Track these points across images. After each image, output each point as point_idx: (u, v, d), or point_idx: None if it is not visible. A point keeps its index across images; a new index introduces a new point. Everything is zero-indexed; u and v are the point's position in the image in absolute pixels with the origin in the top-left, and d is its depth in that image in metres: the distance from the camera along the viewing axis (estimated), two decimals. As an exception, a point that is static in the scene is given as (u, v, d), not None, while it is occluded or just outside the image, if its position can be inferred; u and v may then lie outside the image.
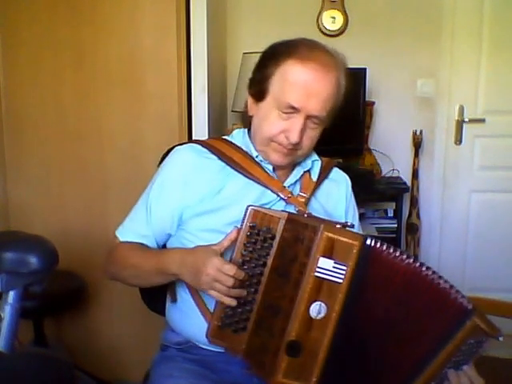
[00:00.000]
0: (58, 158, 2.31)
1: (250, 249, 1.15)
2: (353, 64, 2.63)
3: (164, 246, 1.38)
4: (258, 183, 1.30)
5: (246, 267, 1.14)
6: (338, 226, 1.13)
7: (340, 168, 1.50)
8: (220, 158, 1.32)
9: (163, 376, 1.29)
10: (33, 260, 1.21)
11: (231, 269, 1.10)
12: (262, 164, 1.33)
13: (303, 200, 1.32)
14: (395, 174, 2.93)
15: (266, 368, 1.13)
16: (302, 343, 1.10)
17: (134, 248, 1.33)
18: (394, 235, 2.73)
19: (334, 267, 1.08)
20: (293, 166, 1.36)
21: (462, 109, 2.93)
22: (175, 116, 2.25)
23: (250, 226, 1.14)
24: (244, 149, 1.35)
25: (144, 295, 1.53)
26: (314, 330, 1.10)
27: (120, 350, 2.41)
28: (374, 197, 2.77)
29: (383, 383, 1.15)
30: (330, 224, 1.13)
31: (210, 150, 1.33)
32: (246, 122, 1.37)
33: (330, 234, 1.07)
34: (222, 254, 1.15)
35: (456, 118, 2.94)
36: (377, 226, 2.74)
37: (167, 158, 1.37)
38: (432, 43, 2.87)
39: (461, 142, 2.97)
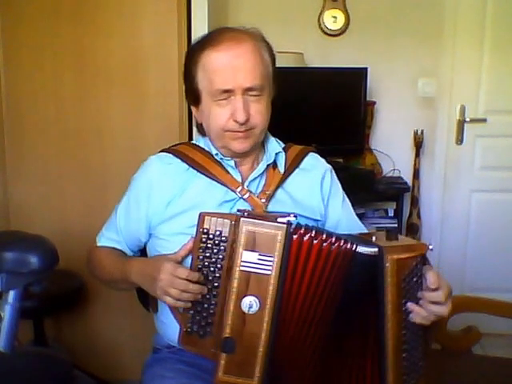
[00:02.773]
0: (58, 158, 2.31)
1: (207, 254, 1.15)
2: (354, 63, 2.70)
3: (142, 251, 1.43)
4: (219, 183, 1.32)
5: (205, 272, 1.15)
6: (281, 218, 1.12)
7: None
8: (183, 160, 1.35)
9: (156, 377, 1.30)
10: (33, 260, 1.21)
11: (184, 271, 1.12)
12: (224, 162, 1.34)
13: (265, 196, 1.31)
14: (396, 174, 2.93)
15: (215, 368, 1.14)
16: (236, 339, 1.10)
17: (107, 253, 1.39)
18: (394, 235, 2.73)
19: (259, 259, 1.09)
20: (256, 161, 1.37)
21: (463, 108, 2.92)
22: (176, 115, 2.26)
23: (203, 232, 1.15)
24: (207, 149, 1.37)
25: (140, 296, 1.54)
26: (248, 325, 1.10)
27: (119, 350, 2.41)
28: (374, 196, 2.77)
29: (340, 365, 1.14)
30: (255, 217, 1.12)
31: (173, 155, 1.36)
32: (200, 132, 1.41)
33: (250, 227, 1.09)
34: (180, 263, 1.18)
35: (457, 118, 2.94)
36: (377, 225, 2.74)
37: (137, 170, 1.41)
38: (433, 43, 2.87)
39: (462, 141, 2.97)
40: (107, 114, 2.27)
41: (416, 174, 2.92)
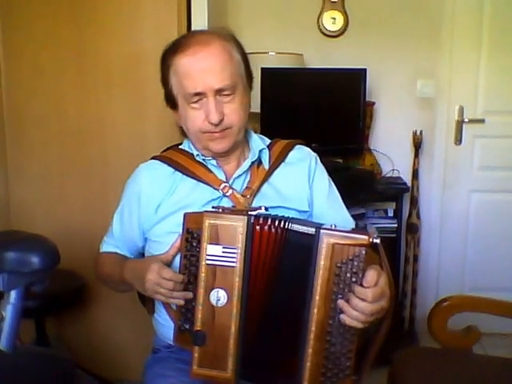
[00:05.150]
0: (59, 158, 2.31)
1: (193, 252, 1.17)
2: (353, 64, 2.71)
3: (143, 254, 1.45)
4: (203, 182, 1.34)
5: (192, 269, 1.16)
6: (253, 212, 1.14)
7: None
8: (168, 165, 1.37)
9: (156, 376, 1.32)
10: (34, 259, 1.21)
11: (168, 272, 1.15)
12: (206, 162, 1.36)
13: (249, 192, 1.33)
14: (395, 174, 2.93)
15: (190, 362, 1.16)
16: (206, 332, 1.12)
17: (108, 257, 1.44)
18: (394, 235, 2.74)
19: (223, 252, 1.11)
20: (241, 159, 1.38)
21: (461, 109, 2.93)
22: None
23: (187, 231, 1.17)
24: (190, 152, 1.39)
25: (141, 296, 1.54)
26: (218, 318, 1.13)
27: (121, 349, 2.42)
28: (374, 197, 2.77)
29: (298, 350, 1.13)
30: (216, 211, 1.15)
31: (160, 161, 1.39)
32: (182, 134, 1.42)
33: (212, 221, 1.11)
34: (171, 261, 1.22)
35: (456, 119, 2.95)
36: (377, 225, 2.75)
37: (129, 177, 1.45)
38: (432, 44, 2.88)
39: (461, 142, 2.98)
40: (108, 114, 2.27)
41: (415, 175, 2.92)
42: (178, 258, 1.23)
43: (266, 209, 1.22)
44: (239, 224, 1.10)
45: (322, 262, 1.07)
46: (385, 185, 2.81)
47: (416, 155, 2.92)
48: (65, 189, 2.34)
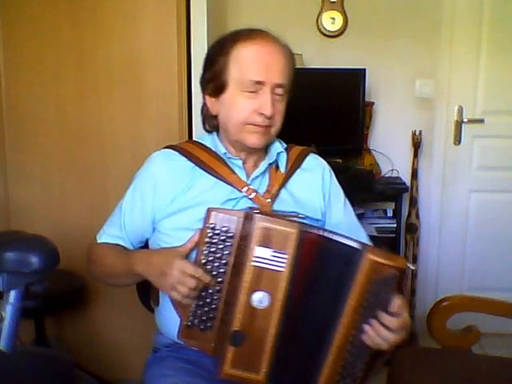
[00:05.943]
0: (59, 158, 2.31)
1: (212, 249, 1.16)
2: (352, 64, 2.71)
3: (145, 246, 1.43)
4: (224, 182, 1.33)
5: (209, 267, 1.16)
6: (290, 218, 1.15)
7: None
8: (189, 159, 1.36)
9: (156, 376, 1.31)
10: (34, 260, 1.21)
11: (195, 271, 1.13)
12: (231, 161, 1.36)
13: (269, 196, 1.33)
14: (394, 174, 2.93)
15: (219, 361, 1.15)
16: (245, 333, 1.12)
17: (110, 248, 1.38)
18: (393, 235, 2.74)
19: (272, 256, 1.10)
20: (258, 161, 1.39)
21: (460, 109, 2.93)
22: (175, 116, 2.26)
23: (209, 227, 1.16)
24: (213, 149, 1.38)
25: (140, 294, 1.54)
26: (258, 320, 1.12)
27: (121, 349, 2.41)
28: (373, 197, 2.78)
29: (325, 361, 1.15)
30: (268, 215, 1.15)
31: (179, 152, 1.37)
32: (209, 124, 1.40)
33: (266, 224, 1.10)
34: (186, 256, 1.19)
35: (455, 119, 2.95)
36: (376, 225, 2.75)
37: (141, 166, 1.42)
38: (431, 44, 2.88)
39: (460, 142, 2.98)
40: (107, 114, 2.27)
41: (414, 174, 2.93)
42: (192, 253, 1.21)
43: (303, 217, 1.23)
44: (292, 231, 1.10)
45: (360, 276, 1.09)
46: (384, 185, 2.81)
47: (415, 155, 2.93)
48: (65, 189, 2.33)
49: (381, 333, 1.10)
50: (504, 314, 1.80)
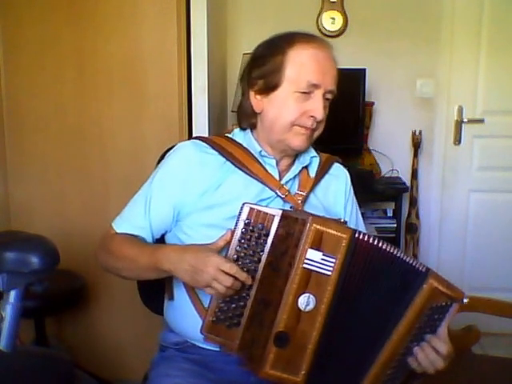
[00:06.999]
0: (59, 158, 2.31)
1: (245, 245, 1.15)
2: (352, 64, 2.71)
3: (160, 240, 1.38)
4: (257, 180, 1.31)
5: (240, 263, 1.15)
6: (340, 222, 1.16)
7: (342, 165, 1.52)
8: (221, 154, 1.33)
9: (161, 376, 1.30)
10: (34, 260, 1.21)
11: (233, 268, 1.10)
12: (265, 159, 1.34)
13: (301, 198, 1.33)
14: (394, 174, 2.94)
15: (256, 360, 1.14)
16: (290, 335, 1.10)
17: (130, 240, 1.31)
18: (393, 235, 2.74)
19: (322, 259, 1.09)
20: (292, 161, 1.37)
21: (461, 109, 2.94)
22: (175, 116, 2.26)
23: (244, 223, 1.15)
24: (245, 146, 1.35)
25: (142, 294, 1.54)
26: (302, 322, 1.11)
27: (121, 350, 2.41)
28: (373, 197, 2.78)
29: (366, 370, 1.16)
30: (320, 218, 1.14)
31: (211, 146, 1.34)
32: (248, 122, 1.37)
33: (319, 226, 1.09)
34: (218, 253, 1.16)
35: (455, 119, 2.95)
36: (376, 225, 2.75)
37: (169, 154, 1.37)
38: (431, 44, 2.88)
39: (460, 142, 2.98)
40: (107, 114, 2.27)
41: (414, 174, 2.93)
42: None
43: (345, 222, 1.24)
44: (344, 235, 1.09)
45: (419, 299, 1.09)
46: (384, 185, 2.81)
47: (415, 155, 2.93)
48: (64, 189, 2.33)
49: (430, 356, 1.12)
50: (504, 314, 1.80)
